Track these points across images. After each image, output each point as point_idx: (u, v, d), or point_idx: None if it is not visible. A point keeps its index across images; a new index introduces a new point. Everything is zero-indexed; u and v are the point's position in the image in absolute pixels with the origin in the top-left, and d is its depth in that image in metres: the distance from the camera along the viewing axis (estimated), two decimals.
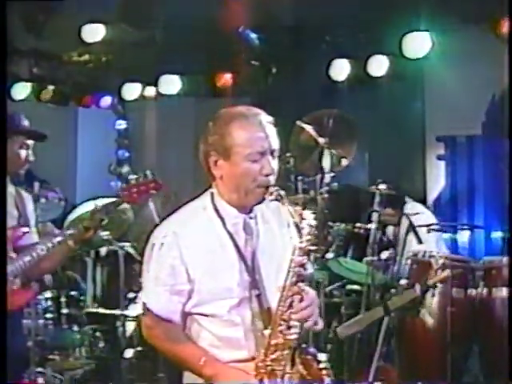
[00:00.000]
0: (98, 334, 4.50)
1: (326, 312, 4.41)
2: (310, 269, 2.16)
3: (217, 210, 2.14)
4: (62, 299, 4.24)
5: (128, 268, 4.32)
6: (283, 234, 2.19)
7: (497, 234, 5.31)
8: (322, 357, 2.07)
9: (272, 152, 2.11)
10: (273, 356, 2.02)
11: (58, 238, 3.11)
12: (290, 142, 4.00)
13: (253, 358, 2.06)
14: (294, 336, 2.03)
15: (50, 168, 6.24)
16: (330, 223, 4.07)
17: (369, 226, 3.93)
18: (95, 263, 4.70)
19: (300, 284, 2.04)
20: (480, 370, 3.89)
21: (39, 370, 3.91)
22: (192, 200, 2.24)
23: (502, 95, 5.03)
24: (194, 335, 2.14)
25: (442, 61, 5.17)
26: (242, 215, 2.15)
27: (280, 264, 2.12)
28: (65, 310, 4.24)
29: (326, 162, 3.89)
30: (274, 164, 2.11)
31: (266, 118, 2.12)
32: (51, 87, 6.18)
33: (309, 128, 3.92)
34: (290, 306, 2.04)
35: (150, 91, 6.51)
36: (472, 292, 3.81)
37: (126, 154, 7.14)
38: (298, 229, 2.09)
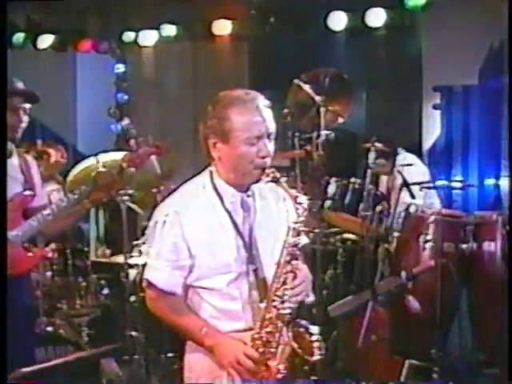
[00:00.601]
0: (102, 282, 4.67)
1: (323, 259, 4.60)
2: (305, 240, 2.26)
3: (216, 189, 2.23)
4: (68, 251, 4.38)
5: (130, 219, 4.43)
6: (279, 208, 2.29)
7: (490, 182, 5.43)
8: (315, 330, 2.16)
9: (269, 135, 2.19)
10: (267, 329, 2.16)
11: (74, 197, 3.24)
12: (287, 99, 4.07)
13: (250, 329, 2.20)
14: (288, 311, 2.16)
15: (51, 113, 6.31)
16: (327, 177, 4.18)
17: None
18: (97, 214, 4.81)
19: (293, 262, 2.16)
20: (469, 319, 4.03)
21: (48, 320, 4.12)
22: (193, 177, 2.33)
23: (499, 46, 5.02)
24: (196, 307, 2.26)
25: (439, 11, 5.15)
26: (240, 194, 2.24)
27: (276, 237, 2.23)
28: (70, 261, 4.38)
29: (322, 120, 3.95)
30: (271, 146, 2.19)
31: (262, 102, 2.19)
32: (49, 34, 6.16)
33: (306, 87, 3.98)
34: (284, 282, 2.16)
35: (149, 36, 6.52)
36: (462, 246, 3.89)
37: (125, 97, 7.16)
38: (295, 203, 2.19)
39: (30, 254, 3.29)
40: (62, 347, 3.89)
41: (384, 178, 4.76)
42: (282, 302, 2.15)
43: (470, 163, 5.48)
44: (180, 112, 6.84)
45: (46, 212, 3.19)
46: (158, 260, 2.23)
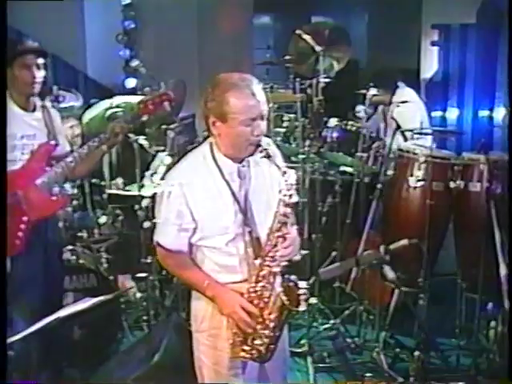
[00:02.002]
0: (118, 211, 4.99)
1: (322, 188, 4.90)
2: (295, 198, 2.51)
3: (215, 161, 2.50)
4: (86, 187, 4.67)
5: (141, 155, 4.71)
6: (272, 172, 2.53)
7: (484, 113, 5.63)
8: (303, 284, 2.45)
9: (262, 117, 2.43)
10: (261, 284, 2.48)
11: (94, 144, 3.46)
12: (289, 47, 4.26)
13: (245, 280, 2.51)
14: (278, 269, 2.48)
15: (61, 41, 6.43)
16: (325, 119, 4.41)
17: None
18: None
19: (283, 228, 2.44)
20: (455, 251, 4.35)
21: (70, 247, 4.46)
22: (194, 149, 2.61)
23: None
24: (199, 262, 2.57)
25: None
26: (236, 164, 2.51)
27: (269, 200, 2.50)
28: (88, 196, 4.68)
29: (321, 67, 4.14)
30: (264, 126, 2.44)
31: (257, 87, 2.43)
32: None
33: (307, 37, 4.16)
34: (275, 245, 2.46)
35: None
36: (450, 185, 4.15)
37: (132, 26, 7.26)
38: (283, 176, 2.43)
39: (54, 198, 3.57)
40: (85, 275, 4.22)
41: (381, 109, 4.96)
42: (273, 261, 2.46)
43: (465, 96, 5.66)
44: (185, 37, 6.99)
45: (68, 159, 3.43)
46: (166, 224, 2.52)
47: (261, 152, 2.42)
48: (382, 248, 2.49)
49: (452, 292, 4.31)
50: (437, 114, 5.74)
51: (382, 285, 4.13)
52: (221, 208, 2.49)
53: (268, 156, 2.42)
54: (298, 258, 2.65)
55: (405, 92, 4.92)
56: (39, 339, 3.03)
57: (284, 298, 2.43)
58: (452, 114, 5.75)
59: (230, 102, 2.40)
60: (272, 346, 2.49)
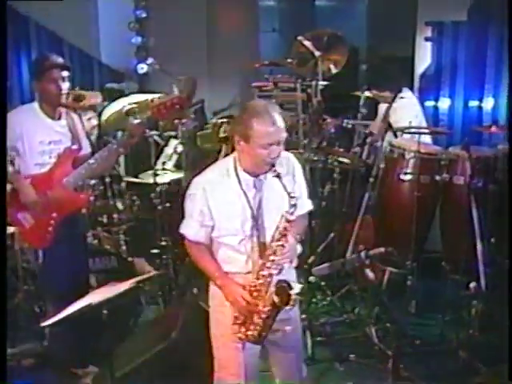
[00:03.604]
0: (134, 197, 5.39)
1: (322, 176, 5.26)
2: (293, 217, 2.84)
3: (236, 173, 2.92)
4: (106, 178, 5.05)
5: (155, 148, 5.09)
6: (287, 181, 2.89)
7: (474, 103, 5.91)
8: (296, 287, 2.83)
9: (279, 142, 2.85)
10: (260, 281, 2.91)
11: (113, 147, 3.72)
12: (291, 51, 4.63)
13: (249, 273, 2.95)
14: (275, 271, 2.90)
15: (76, 30, 6.75)
16: (325, 116, 4.77)
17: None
18: None
19: (283, 239, 2.86)
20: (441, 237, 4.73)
21: (93, 232, 4.87)
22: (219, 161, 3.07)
23: None
24: (215, 251, 3.03)
25: None
26: (253, 178, 2.94)
27: (279, 209, 2.88)
28: (108, 186, 5.06)
29: (320, 70, 4.51)
30: (279, 150, 2.86)
31: (278, 116, 2.83)
32: None
33: (307, 43, 4.53)
34: (275, 252, 2.88)
35: None
36: (436, 177, 4.50)
37: (144, 15, 7.56)
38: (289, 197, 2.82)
39: (82, 195, 3.95)
40: (106, 257, 4.61)
41: (383, 106, 5.28)
42: (273, 265, 2.89)
43: (456, 87, 5.95)
44: (194, 25, 7.29)
45: (91, 161, 3.73)
46: (190, 219, 2.99)
47: (273, 172, 2.84)
48: (363, 253, 2.86)
49: (437, 273, 4.70)
50: (429, 103, 6.03)
51: (375, 266, 4.51)
52: (236, 212, 2.92)
53: (278, 176, 2.84)
54: (294, 264, 3.07)
55: (408, 95, 5.24)
56: (71, 325, 3.34)
57: (275, 297, 2.86)
58: (444, 103, 6.01)
59: (254, 127, 2.81)
60: (264, 333, 2.91)
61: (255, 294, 2.92)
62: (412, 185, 4.50)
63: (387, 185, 4.68)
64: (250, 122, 2.82)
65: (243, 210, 2.91)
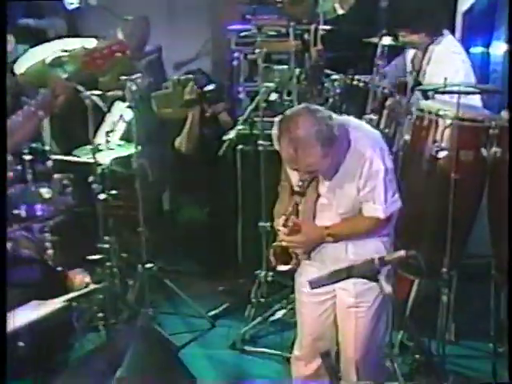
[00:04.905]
0: (66, 182, 5.39)
1: None
2: None
3: None
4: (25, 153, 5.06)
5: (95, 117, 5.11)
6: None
7: None
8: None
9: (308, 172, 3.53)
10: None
11: (30, 109, 3.67)
12: None
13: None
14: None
15: None
16: (328, 72, 4.80)
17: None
18: None
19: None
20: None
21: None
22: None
23: None
24: None
25: None
26: None
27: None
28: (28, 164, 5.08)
29: (321, 9, 4.51)
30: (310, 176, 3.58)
31: (308, 141, 3.38)
32: None
33: None
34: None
35: None
36: (483, 154, 4.53)
37: None
38: None
39: None
40: (26, 266, 4.61)
41: (409, 55, 5.34)
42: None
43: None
44: None
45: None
46: None
47: None
48: (376, 259, 2.91)
49: (485, 285, 4.78)
50: (477, 50, 6.06)
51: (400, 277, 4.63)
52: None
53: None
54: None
55: (449, 40, 5.24)
56: None
57: (272, 257, 3.78)
58: (497, 50, 6.06)
59: (280, 143, 3.54)
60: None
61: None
62: (449, 163, 4.50)
63: (414, 164, 4.70)
64: (278, 133, 3.47)
65: None
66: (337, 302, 3.96)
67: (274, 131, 3.59)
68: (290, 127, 3.36)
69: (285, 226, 3.71)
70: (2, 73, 3.61)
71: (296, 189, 3.57)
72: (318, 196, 3.74)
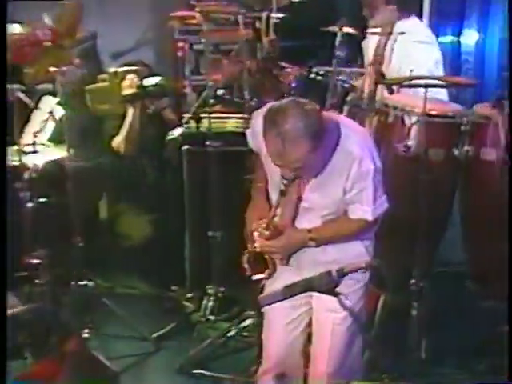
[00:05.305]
0: None
1: None
2: None
3: None
4: None
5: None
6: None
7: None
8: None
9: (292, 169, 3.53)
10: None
11: None
12: None
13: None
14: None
15: None
16: (282, 64, 4.82)
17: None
18: None
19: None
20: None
21: None
22: None
23: None
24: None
25: None
26: None
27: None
28: None
29: None
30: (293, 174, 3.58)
31: (299, 137, 3.40)
32: None
33: None
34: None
35: None
36: (454, 152, 4.59)
37: None
38: None
39: None
40: None
41: (371, 44, 5.32)
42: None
43: (490, 14, 6.07)
44: None
45: None
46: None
47: None
48: (333, 271, 2.91)
49: (459, 297, 4.86)
50: (446, 39, 6.13)
51: None
52: (271, 171, 3.74)
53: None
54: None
55: (416, 25, 5.34)
56: None
57: (245, 264, 3.83)
58: (468, 38, 6.15)
59: (266, 136, 3.55)
60: None
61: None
62: (417, 163, 4.57)
63: None
64: (265, 127, 3.48)
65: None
66: (314, 305, 3.95)
67: (249, 130, 3.80)
68: (278, 120, 3.42)
69: (266, 229, 3.77)
70: (2, 72, 3.66)
71: (281, 187, 3.62)
72: (300, 197, 3.77)
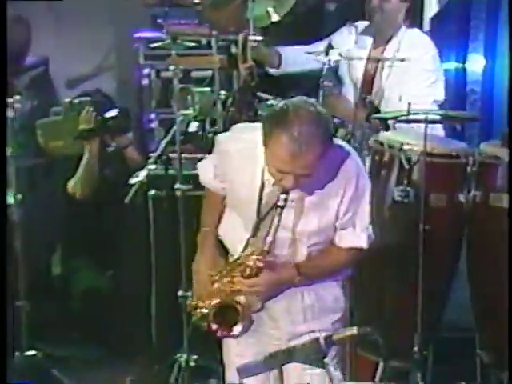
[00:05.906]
0: None
1: None
2: None
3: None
4: None
5: None
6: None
7: None
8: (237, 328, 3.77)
9: (296, 176, 3.54)
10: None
11: None
12: None
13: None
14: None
15: None
16: (262, 95, 4.93)
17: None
18: None
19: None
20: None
21: None
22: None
23: None
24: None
25: None
26: None
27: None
28: None
29: (252, 14, 4.61)
30: (294, 184, 3.58)
31: (308, 144, 3.47)
32: None
33: None
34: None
35: None
36: (459, 198, 4.66)
37: None
38: None
39: None
40: None
41: (359, 72, 5.50)
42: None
43: (497, 38, 6.17)
44: None
45: None
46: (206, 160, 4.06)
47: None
48: (321, 338, 2.95)
49: (467, 366, 4.90)
50: (450, 65, 6.22)
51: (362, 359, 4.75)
52: (246, 199, 3.78)
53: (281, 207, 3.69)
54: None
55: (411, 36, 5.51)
56: None
57: (212, 321, 3.83)
58: (475, 65, 6.25)
59: (272, 138, 3.60)
60: None
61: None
62: (415, 211, 4.62)
63: (372, 211, 4.79)
64: (272, 128, 3.55)
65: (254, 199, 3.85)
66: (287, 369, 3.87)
67: (207, 161, 3.99)
68: (294, 120, 3.50)
69: (243, 267, 3.81)
70: (3, 72, 4.00)
71: (280, 203, 3.65)
72: (278, 224, 3.76)
